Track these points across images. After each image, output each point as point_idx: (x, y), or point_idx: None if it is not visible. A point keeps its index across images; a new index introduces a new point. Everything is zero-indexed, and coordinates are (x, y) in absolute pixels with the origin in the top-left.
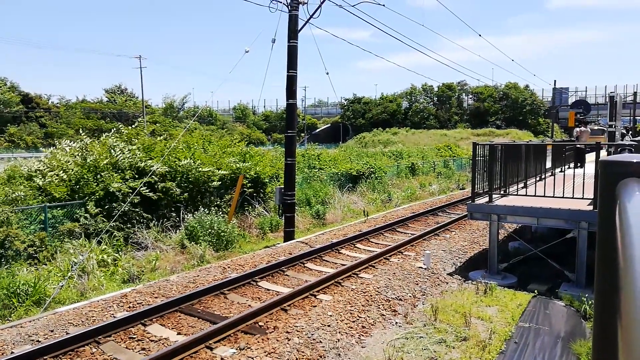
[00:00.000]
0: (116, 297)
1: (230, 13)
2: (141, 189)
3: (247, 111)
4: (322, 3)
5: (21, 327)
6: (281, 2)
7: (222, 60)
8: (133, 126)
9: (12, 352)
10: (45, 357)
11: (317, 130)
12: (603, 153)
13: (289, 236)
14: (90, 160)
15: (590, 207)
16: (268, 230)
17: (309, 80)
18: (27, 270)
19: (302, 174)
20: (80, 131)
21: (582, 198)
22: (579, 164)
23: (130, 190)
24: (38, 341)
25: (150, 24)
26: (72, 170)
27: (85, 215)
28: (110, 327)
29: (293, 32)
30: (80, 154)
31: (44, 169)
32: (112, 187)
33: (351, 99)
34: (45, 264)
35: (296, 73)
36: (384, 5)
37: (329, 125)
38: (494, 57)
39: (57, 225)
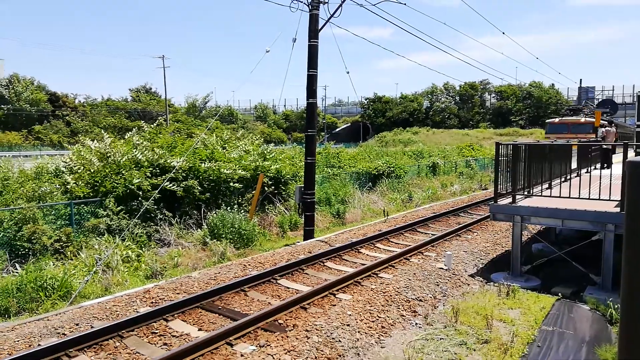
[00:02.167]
0: (139, 292)
1: (251, 13)
2: (164, 185)
3: (268, 110)
4: (342, 2)
5: (48, 320)
6: (302, 2)
7: (244, 60)
8: (154, 124)
9: (39, 345)
10: (70, 350)
11: (338, 129)
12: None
13: (308, 235)
14: (112, 159)
15: (617, 209)
16: (288, 228)
17: (329, 80)
18: (53, 264)
19: (322, 173)
20: (103, 131)
21: (609, 199)
22: (605, 165)
23: (150, 187)
24: (64, 334)
25: (171, 24)
26: (95, 167)
27: (109, 212)
28: (133, 322)
29: (314, 32)
30: (102, 152)
31: (71, 165)
32: (133, 183)
33: (371, 98)
34: (72, 259)
35: (316, 72)
36: (405, 4)
37: (349, 124)
38: (518, 55)
39: (82, 221)
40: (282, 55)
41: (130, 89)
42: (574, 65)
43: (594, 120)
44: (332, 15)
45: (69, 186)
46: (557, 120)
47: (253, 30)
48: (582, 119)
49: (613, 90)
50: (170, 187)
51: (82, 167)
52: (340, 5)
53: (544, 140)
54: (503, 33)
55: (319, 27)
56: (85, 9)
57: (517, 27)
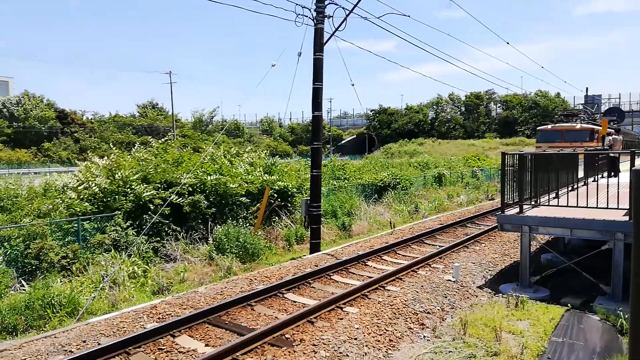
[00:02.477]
0: (146, 308)
1: (258, 27)
2: (172, 199)
3: (274, 124)
4: (347, 16)
5: (55, 337)
6: (307, 17)
7: (250, 65)
8: (162, 140)
9: None
10: None
11: (343, 141)
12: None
13: (314, 248)
14: (118, 176)
15: (626, 218)
16: (294, 241)
17: (335, 92)
18: (60, 281)
19: (328, 186)
20: (111, 145)
21: (617, 208)
22: (612, 173)
23: (161, 202)
24: (71, 351)
25: (178, 39)
26: (103, 184)
27: (116, 228)
28: (140, 338)
29: (319, 45)
30: (109, 169)
31: (77, 184)
32: (143, 196)
33: (377, 109)
34: (78, 276)
35: (322, 85)
36: (409, 16)
37: (354, 136)
38: (523, 65)
39: (88, 237)
40: (288, 68)
41: (137, 105)
42: (579, 74)
43: (592, 126)
44: (337, 29)
45: (74, 202)
46: (549, 127)
47: (260, 43)
48: (578, 125)
49: (619, 98)
50: (177, 200)
51: (90, 183)
52: (345, 18)
53: (535, 150)
54: (507, 43)
55: (324, 41)
56: (90, 17)
57: (521, 38)
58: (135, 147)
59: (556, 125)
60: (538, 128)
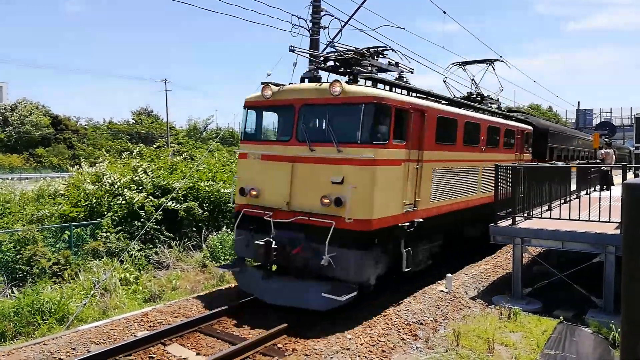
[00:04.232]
0: (137, 315)
1: (253, 36)
2: (166, 204)
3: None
4: (342, 27)
5: (44, 344)
6: (303, 27)
7: (245, 82)
8: (154, 147)
9: None
10: None
11: None
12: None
13: None
14: (108, 182)
15: (618, 231)
16: None
17: None
18: (51, 288)
19: None
20: (103, 151)
21: (609, 221)
22: (604, 186)
23: (154, 209)
24: (60, 359)
25: (173, 47)
26: (91, 190)
27: (108, 234)
28: (130, 346)
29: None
30: (98, 176)
31: (68, 189)
32: (135, 202)
33: None
34: (69, 282)
35: None
36: (404, 28)
37: None
38: (516, 79)
39: (79, 244)
40: (283, 78)
41: (132, 111)
42: (571, 89)
43: (402, 101)
44: (332, 40)
45: (63, 208)
46: (267, 94)
47: (255, 52)
48: (337, 89)
49: (611, 112)
50: (173, 206)
51: (77, 189)
52: (341, 30)
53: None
54: (500, 57)
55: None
56: (85, 22)
57: (515, 52)
58: (127, 154)
59: (285, 87)
60: (246, 98)
